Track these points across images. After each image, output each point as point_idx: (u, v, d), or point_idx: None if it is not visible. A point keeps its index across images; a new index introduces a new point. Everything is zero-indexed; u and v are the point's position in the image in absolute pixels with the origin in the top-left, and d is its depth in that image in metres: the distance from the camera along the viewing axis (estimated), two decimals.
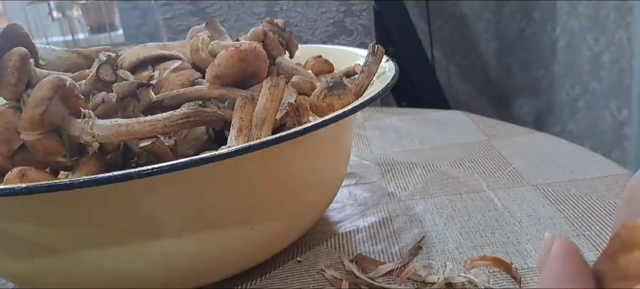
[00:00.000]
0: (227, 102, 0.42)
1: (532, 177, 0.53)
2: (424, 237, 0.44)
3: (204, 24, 0.50)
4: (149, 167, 0.29)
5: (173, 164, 0.29)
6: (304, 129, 0.33)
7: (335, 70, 0.52)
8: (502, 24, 1.96)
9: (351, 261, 0.41)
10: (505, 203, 0.49)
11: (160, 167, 0.29)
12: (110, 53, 0.44)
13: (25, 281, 0.38)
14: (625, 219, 0.18)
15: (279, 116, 0.39)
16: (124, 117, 0.39)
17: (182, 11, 1.19)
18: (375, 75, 0.43)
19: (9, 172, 0.35)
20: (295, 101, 0.40)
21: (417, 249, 0.42)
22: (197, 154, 0.30)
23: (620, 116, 1.43)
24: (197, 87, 0.42)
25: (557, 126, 1.76)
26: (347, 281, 0.39)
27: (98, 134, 0.35)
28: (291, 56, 0.54)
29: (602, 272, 0.18)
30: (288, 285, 0.40)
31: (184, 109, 0.38)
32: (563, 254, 0.18)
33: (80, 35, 1.85)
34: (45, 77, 0.36)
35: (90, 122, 0.35)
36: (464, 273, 0.39)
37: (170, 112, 0.36)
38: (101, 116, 0.37)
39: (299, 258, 0.43)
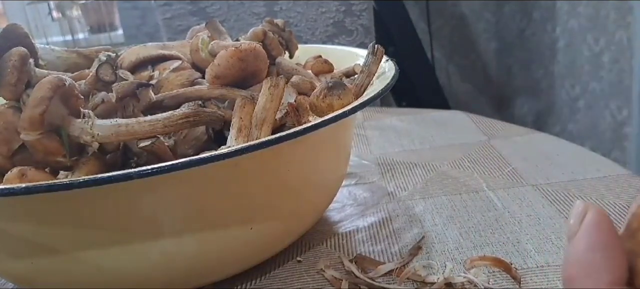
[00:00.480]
0: (226, 102, 0.42)
1: (532, 177, 0.53)
2: (423, 237, 0.44)
3: (203, 24, 0.50)
4: (149, 167, 0.29)
5: (173, 164, 0.29)
6: (304, 129, 0.33)
7: (335, 71, 0.51)
8: (502, 24, 1.96)
9: (351, 261, 0.41)
10: (505, 203, 0.49)
11: (159, 167, 0.29)
12: (110, 53, 0.44)
13: (25, 281, 0.38)
14: None
15: (278, 116, 0.39)
16: (123, 117, 0.39)
17: (182, 11, 1.19)
18: (375, 75, 0.43)
19: (9, 172, 0.35)
20: (295, 101, 0.40)
21: (416, 249, 0.42)
22: (197, 154, 0.30)
23: (620, 115, 1.43)
24: (196, 87, 0.42)
25: (557, 126, 1.76)
26: (347, 281, 0.39)
27: (98, 134, 0.35)
28: (291, 56, 0.54)
29: (626, 249, 0.18)
30: (288, 285, 0.40)
31: (184, 109, 0.38)
32: (597, 225, 0.18)
33: (80, 35, 1.85)
34: (44, 77, 0.36)
35: (90, 122, 0.35)
36: (464, 273, 0.39)
37: (170, 112, 0.36)
38: (101, 116, 0.37)
39: (298, 258, 0.43)
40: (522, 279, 0.38)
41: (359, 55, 0.51)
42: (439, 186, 0.54)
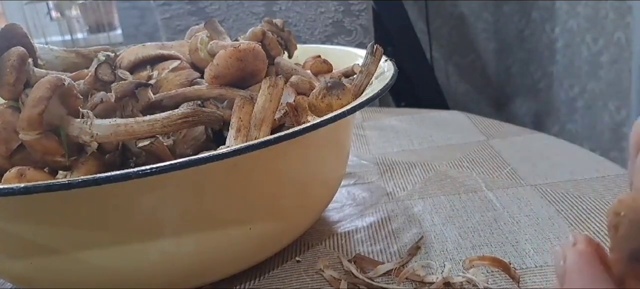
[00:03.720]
0: (225, 102, 0.42)
1: (531, 177, 0.53)
2: (422, 237, 0.44)
3: (202, 24, 0.50)
4: (148, 167, 0.29)
5: (171, 164, 0.29)
6: (303, 129, 0.33)
7: (334, 71, 0.52)
8: (501, 24, 1.96)
9: (350, 261, 0.41)
10: (503, 203, 0.49)
11: (158, 167, 0.29)
12: (108, 53, 0.44)
13: (24, 281, 0.38)
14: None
15: (277, 116, 0.39)
16: (122, 117, 0.39)
17: (181, 11, 1.19)
18: (374, 75, 0.43)
19: (8, 172, 0.35)
20: (294, 101, 0.40)
21: (415, 249, 0.42)
22: (196, 154, 0.30)
23: (619, 116, 1.43)
24: (195, 87, 0.42)
25: (555, 126, 1.77)
26: (346, 281, 0.39)
27: (97, 134, 0.35)
28: (290, 56, 0.54)
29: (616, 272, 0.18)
30: (287, 285, 0.40)
31: (183, 109, 0.38)
32: (580, 267, 0.18)
33: (79, 35, 1.85)
34: (43, 77, 0.36)
35: (89, 122, 0.35)
36: (463, 272, 0.39)
37: (168, 112, 0.36)
38: (100, 116, 0.37)
39: (297, 258, 0.43)
40: (520, 279, 0.38)
41: (358, 56, 0.51)
42: (438, 186, 0.54)
